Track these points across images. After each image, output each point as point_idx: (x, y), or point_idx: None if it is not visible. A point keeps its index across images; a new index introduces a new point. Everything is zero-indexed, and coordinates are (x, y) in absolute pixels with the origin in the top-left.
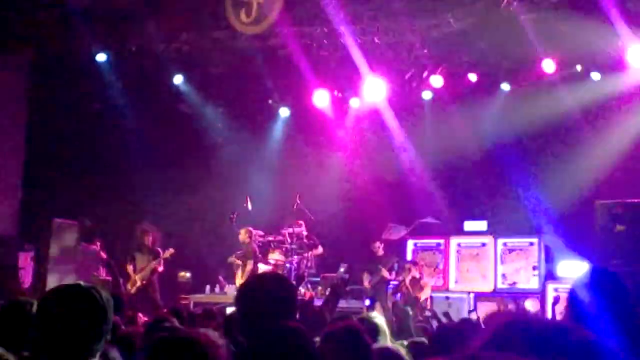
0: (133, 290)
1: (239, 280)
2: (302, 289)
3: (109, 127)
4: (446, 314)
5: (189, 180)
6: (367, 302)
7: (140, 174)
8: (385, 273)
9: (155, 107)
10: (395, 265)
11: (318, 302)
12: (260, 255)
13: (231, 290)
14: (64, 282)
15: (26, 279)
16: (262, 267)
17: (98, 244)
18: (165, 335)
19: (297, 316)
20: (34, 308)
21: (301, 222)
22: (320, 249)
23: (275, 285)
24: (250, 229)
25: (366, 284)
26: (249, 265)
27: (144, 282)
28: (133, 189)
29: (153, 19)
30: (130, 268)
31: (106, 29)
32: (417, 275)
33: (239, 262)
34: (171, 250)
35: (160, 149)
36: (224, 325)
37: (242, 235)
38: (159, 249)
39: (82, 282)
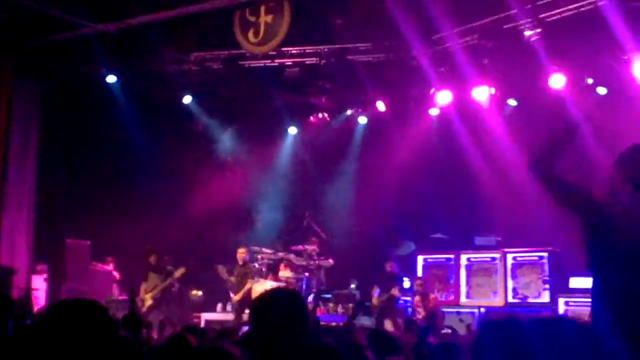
0: (144, 309)
1: (237, 298)
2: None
3: (120, 147)
4: (452, 329)
5: (200, 198)
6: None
7: (152, 193)
8: (396, 292)
9: (165, 128)
10: (407, 283)
11: (332, 319)
12: (271, 273)
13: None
14: None
15: (40, 300)
16: (271, 285)
17: (111, 264)
18: (194, 346)
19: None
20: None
21: (314, 239)
22: (330, 261)
23: (287, 300)
24: (257, 248)
25: (374, 299)
26: (248, 284)
27: (155, 300)
28: (144, 208)
29: (162, 41)
30: (142, 287)
31: (116, 51)
32: (426, 291)
33: (233, 279)
34: (182, 269)
35: (171, 169)
36: (241, 342)
37: (241, 254)
38: (171, 268)
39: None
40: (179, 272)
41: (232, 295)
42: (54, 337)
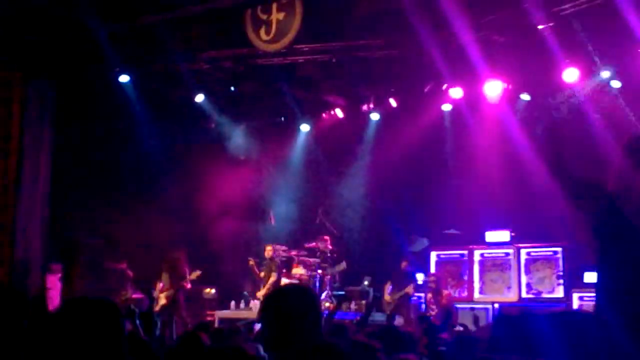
0: (157, 308)
1: (261, 293)
2: (326, 303)
3: (134, 147)
4: (464, 326)
5: (213, 195)
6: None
7: (165, 191)
8: (410, 290)
9: (178, 127)
10: (420, 279)
11: (345, 316)
12: (284, 270)
13: (256, 306)
14: None
15: (54, 300)
16: (285, 282)
17: (125, 263)
18: (215, 346)
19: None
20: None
21: (326, 237)
22: (343, 265)
23: (299, 296)
24: (276, 246)
25: (387, 296)
26: (273, 277)
27: (169, 300)
28: (158, 207)
29: (174, 40)
30: (158, 286)
31: (129, 50)
32: (439, 287)
33: (262, 273)
34: (198, 272)
35: (185, 167)
36: (254, 341)
37: (268, 252)
38: (186, 269)
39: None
40: (194, 275)
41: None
42: (66, 336)
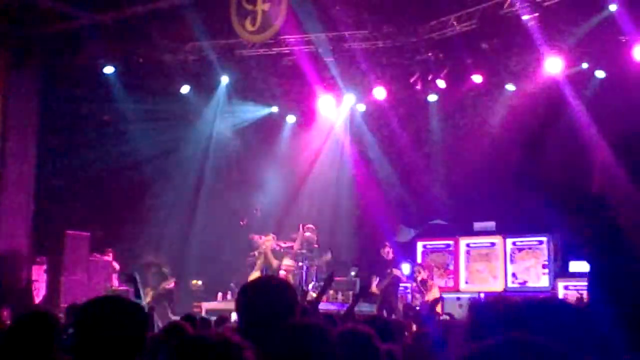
0: (143, 303)
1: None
2: (312, 292)
3: (119, 138)
4: (450, 315)
5: (200, 187)
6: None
7: (151, 183)
8: (397, 272)
9: (163, 117)
10: (408, 268)
11: (331, 307)
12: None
13: None
14: (77, 293)
15: (40, 291)
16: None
17: (110, 254)
18: (194, 335)
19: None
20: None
21: (312, 226)
22: (329, 255)
23: (273, 288)
24: (265, 236)
25: (374, 287)
26: (274, 265)
27: (154, 299)
28: (144, 198)
29: (159, 31)
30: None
31: (113, 41)
32: (425, 277)
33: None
34: (172, 281)
35: (170, 158)
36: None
37: (268, 241)
38: (167, 274)
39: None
40: (167, 283)
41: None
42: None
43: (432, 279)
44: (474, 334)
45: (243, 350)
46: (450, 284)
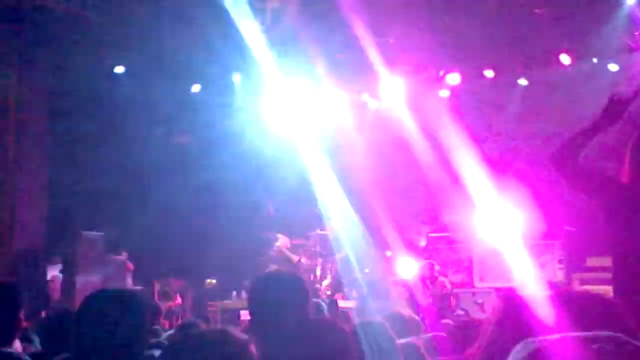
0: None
1: None
2: (327, 291)
3: (132, 137)
4: (465, 311)
5: (214, 183)
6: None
7: (165, 181)
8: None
9: (174, 116)
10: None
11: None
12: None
13: None
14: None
15: (55, 292)
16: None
17: (124, 254)
18: (196, 331)
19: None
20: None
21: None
22: (344, 252)
23: (285, 282)
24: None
25: (387, 283)
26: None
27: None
28: (158, 196)
29: (170, 30)
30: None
31: (123, 40)
32: (436, 273)
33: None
34: (176, 300)
35: (185, 158)
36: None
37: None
38: (170, 293)
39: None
40: (168, 304)
41: None
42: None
43: (445, 275)
44: (494, 332)
45: (246, 345)
46: (465, 280)
